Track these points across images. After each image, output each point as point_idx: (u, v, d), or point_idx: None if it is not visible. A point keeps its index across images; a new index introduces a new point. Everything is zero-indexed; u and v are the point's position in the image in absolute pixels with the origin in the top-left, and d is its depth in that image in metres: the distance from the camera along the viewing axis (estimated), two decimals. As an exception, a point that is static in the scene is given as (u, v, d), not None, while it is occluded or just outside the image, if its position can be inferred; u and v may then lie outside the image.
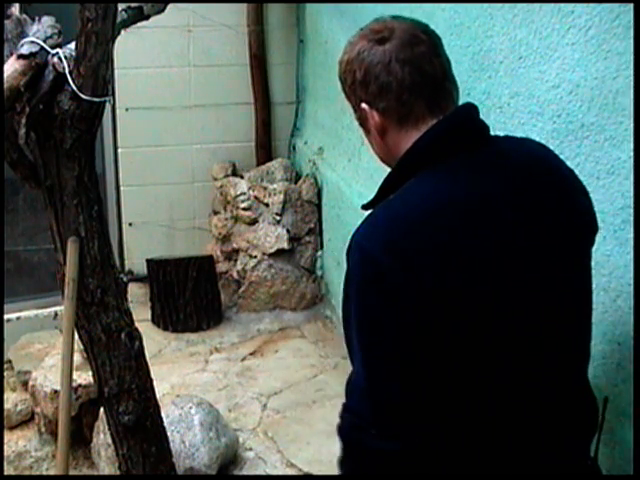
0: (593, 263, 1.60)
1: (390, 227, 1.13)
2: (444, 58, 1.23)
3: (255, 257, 3.68)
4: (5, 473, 2.63)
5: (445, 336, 1.09)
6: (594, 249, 1.59)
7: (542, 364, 1.18)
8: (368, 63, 1.21)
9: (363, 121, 1.27)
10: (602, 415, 1.28)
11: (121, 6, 1.81)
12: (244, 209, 3.73)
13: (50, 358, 2.94)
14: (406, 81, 1.18)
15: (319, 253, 3.77)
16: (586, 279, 1.27)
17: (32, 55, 1.65)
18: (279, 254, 3.67)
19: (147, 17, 1.97)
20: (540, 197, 1.18)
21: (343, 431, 1.17)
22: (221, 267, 3.83)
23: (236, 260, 3.77)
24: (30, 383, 2.86)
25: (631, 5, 1.44)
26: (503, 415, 1.16)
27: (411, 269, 1.08)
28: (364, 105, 1.23)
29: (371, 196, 1.27)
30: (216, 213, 3.97)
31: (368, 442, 1.12)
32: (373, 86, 1.20)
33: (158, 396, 2.07)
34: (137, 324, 1.98)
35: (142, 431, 1.98)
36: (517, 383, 1.17)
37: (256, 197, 3.73)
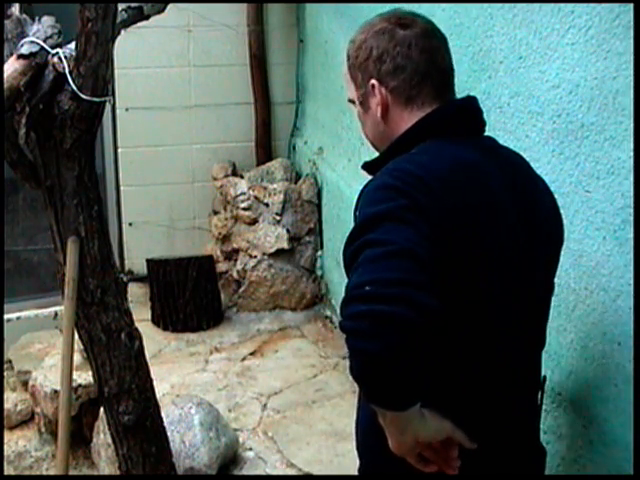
0: (593, 263, 1.61)
1: (419, 168, 1.16)
2: (450, 56, 1.34)
3: (255, 257, 3.68)
4: (5, 473, 2.63)
5: (447, 276, 1.12)
6: (594, 249, 1.60)
7: (524, 325, 1.28)
8: (387, 42, 1.28)
9: (366, 98, 1.32)
10: (541, 391, 1.37)
11: (121, 6, 1.81)
12: (244, 209, 3.73)
13: (50, 358, 2.94)
14: (420, 67, 1.28)
15: (319, 253, 3.77)
16: (554, 269, 1.36)
17: (32, 55, 1.65)
18: (279, 254, 3.67)
19: (147, 17, 1.97)
20: (526, 188, 1.29)
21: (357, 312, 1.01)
22: (221, 267, 3.83)
23: (236, 260, 3.77)
24: (30, 383, 2.86)
25: (631, 5, 1.44)
26: (488, 363, 1.23)
27: (436, 200, 1.12)
28: (374, 81, 1.29)
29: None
30: (216, 213, 3.97)
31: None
32: (389, 65, 1.28)
33: (158, 396, 2.07)
34: (137, 324, 1.98)
35: (142, 431, 1.98)
36: (504, 339, 1.24)
37: (256, 197, 3.73)
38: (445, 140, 1.25)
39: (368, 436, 1.31)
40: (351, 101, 1.37)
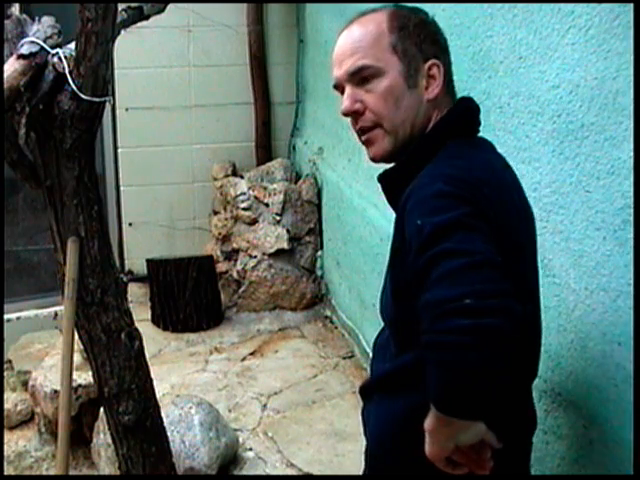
0: (593, 263, 1.60)
1: (467, 173, 1.17)
2: None
3: (255, 257, 3.68)
4: (5, 473, 2.63)
5: None
6: (594, 249, 1.60)
7: (539, 314, 1.34)
8: (436, 25, 1.31)
9: (415, 74, 1.26)
10: None
11: (121, 6, 1.81)
12: (244, 209, 3.73)
13: (50, 358, 2.94)
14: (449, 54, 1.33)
15: (319, 253, 3.77)
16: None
17: (32, 55, 1.65)
18: (279, 254, 3.67)
19: (147, 17, 1.97)
20: (518, 183, 1.34)
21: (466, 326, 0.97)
22: (221, 267, 3.83)
23: (236, 260, 3.77)
24: (30, 383, 2.86)
25: (631, 5, 1.44)
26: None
27: (489, 205, 1.14)
28: (436, 61, 1.27)
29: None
30: (216, 213, 3.97)
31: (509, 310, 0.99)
32: (443, 44, 1.30)
33: (158, 396, 2.07)
34: (137, 324, 1.98)
35: (142, 431, 1.98)
36: (534, 331, 1.31)
37: (256, 197, 3.73)
38: (465, 142, 1.26)
39: (397, 441, 1.28)
40: (361, 68, 1.25)
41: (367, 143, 1.29)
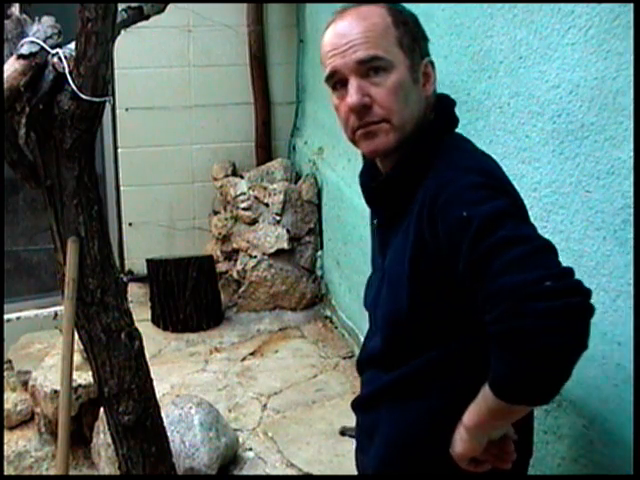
0: (593, 263, 1.60)
1: (488, 165, 1.20)
2: None
3: (255, 257, 3.68)
4: (5, 473, 2.63)
5: None
6: (594, 249, 1.60)
7: None
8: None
9: (417, 70, 1.25)
10: None
11: (121, 6, 1.81)
12: (244, 209, 3.73)
13: (50, 358, 2.94)
14: None
15: (319, 253, 3.76)
16: None
17: (32, 55, 1.65)
18: (279, 254, 3.67)
19: (147, 17, 1.97)
20: None
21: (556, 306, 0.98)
22: (221, 267, 3.83)
23: (236, 260, 3.77)
24: (30, 383, 2.86)
25: (631, 5, 1.44)
26: None
27: (515, 195, 1.20)
28: (428, 57, 1.27)
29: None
30: (216, 213, 3.97)
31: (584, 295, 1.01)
32: (427, 42, 1.29)
33: (158, 396, 2.07)
34: (137, 324, 1.98)
35: (142, 431, 1.98)
36: None
37: (256, 197, 3.73)
38: (458, 136, 1.28)
39: (417, 445, 1.26)
40: (374, 58, 1.20)
41: (367, 136, 1.23)
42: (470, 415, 1.11)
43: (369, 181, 1.35)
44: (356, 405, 1.42)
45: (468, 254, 1.05)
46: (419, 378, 1.24)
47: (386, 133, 1.21)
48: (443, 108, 1.28)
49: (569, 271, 1.02)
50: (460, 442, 1.13)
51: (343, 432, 1.65)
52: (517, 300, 0.98)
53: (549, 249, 1.05)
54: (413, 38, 1.25)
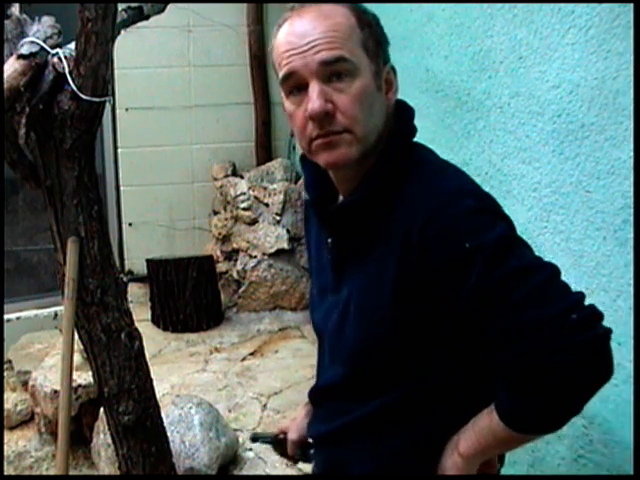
0: (594, 263, 1.61)
1: (472, 184, 1.12)
2: None
3: (255, 257, 3.68)
4: (5, 473, 2.63)
5: None
6: (594, 249, 1.60)
7: None
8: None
9: (379, 76, 1.13)
10: None
11: (121, 6, 1.81)
12: (244, 209, 3.73)
13: (50, 358, 2.94)
14: None
15: (319, 253, 3.76)
16: None
17: (32, 55, 1.65)
18: (279, 254, 3.67)
19: (147, 17, 1.97)
20: None
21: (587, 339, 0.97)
22: (221, 267, 3.83)
23: (236, 260, 3.78)
24: (30, 383, 2.86)
25: (631, 5, 1.44)
26: None
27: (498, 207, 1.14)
28: (389, 64, 1.16)
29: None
30: (216, 213, 3.97)
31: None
32: (388, 46, 1.17)
33: (158, 396, 2.07)
34: (137, 324, 1.98)
35: (142, 431, 1.98)
36: None
37: (256, 197, 3.73)
38: (423, 147, 1.18)
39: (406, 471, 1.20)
40: (339, 59, 1.07)
41: (326, 146, 1.09)
42: (467, 443, 1.09)
43: (321, 198, 1.23)
44: (316, 439, 1.33)
45: (476, 285, 1.00)
46: (402, 408, 1.16)
47: (348, 144, 1.09)
48: (403, 117, 1.17)
49: (583, 296, 1.01)
50: (454, 469, 1.11)
51: (255, 438, 1.65)
52: (547, 336, 0.97)
53: (557, 274, 1.02)
54: (377, 42, 1.13)
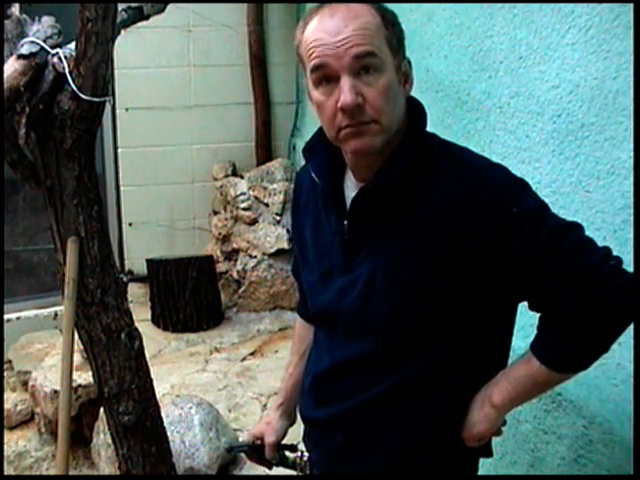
0: (593, 263, 1.60)
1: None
2: None
3: (255, 257, 3.68)
4: (5, 473, 2.63)
5: None
6: (594, 249, 1.60)
7: None
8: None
9: (400, 70, 1.22)
10: None
11: (121, 6, 1.81)
12: (244, 209, 3.73)
13: (50, 358, 2.95)
14: None
15: (319, 253, 3.76)
16: None
17: (32, 55, 1.65)
18: (279, 254, 3.67)
19: (147, 17, 1.97)
20: None
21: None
22: (221, 267, 3.83)
23: (236, 260, 3.78)
24: (30, 383, 2.86)
25: (631, 5, 1.44)
26: None
27: None
28: (408, 58, 1.26)
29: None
30: (216, 213, 3.97)
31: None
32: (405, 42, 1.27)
33: (158, 396, 2.07)
34: (137, 324, 1.98)
35: (142, 431, 1.98)
36: None
37: (256, 197, 3.73)
38: (431, 133, 1.28)
39: (434, 441, 1.25)
40: (370, 54, 1.15)
41: (356, 135, 1.18)
42: (503, 394, 1.21)
43: (334, 184, 1.30)
44: (326, 423, 1.37)
45: (528, 242, 1.14)
46: (434, 373, 1.22)
47: (374, 134, 1.18)
48: (416, 108, 1.27)
49: (608, 248, 1.18)
50: (485, 422, 1.22)
51: (230, 449, 1.64)
52: (596, 281, 1.13)
53: (584, 230, 1.19)
54: (398, 38, 1.22)
